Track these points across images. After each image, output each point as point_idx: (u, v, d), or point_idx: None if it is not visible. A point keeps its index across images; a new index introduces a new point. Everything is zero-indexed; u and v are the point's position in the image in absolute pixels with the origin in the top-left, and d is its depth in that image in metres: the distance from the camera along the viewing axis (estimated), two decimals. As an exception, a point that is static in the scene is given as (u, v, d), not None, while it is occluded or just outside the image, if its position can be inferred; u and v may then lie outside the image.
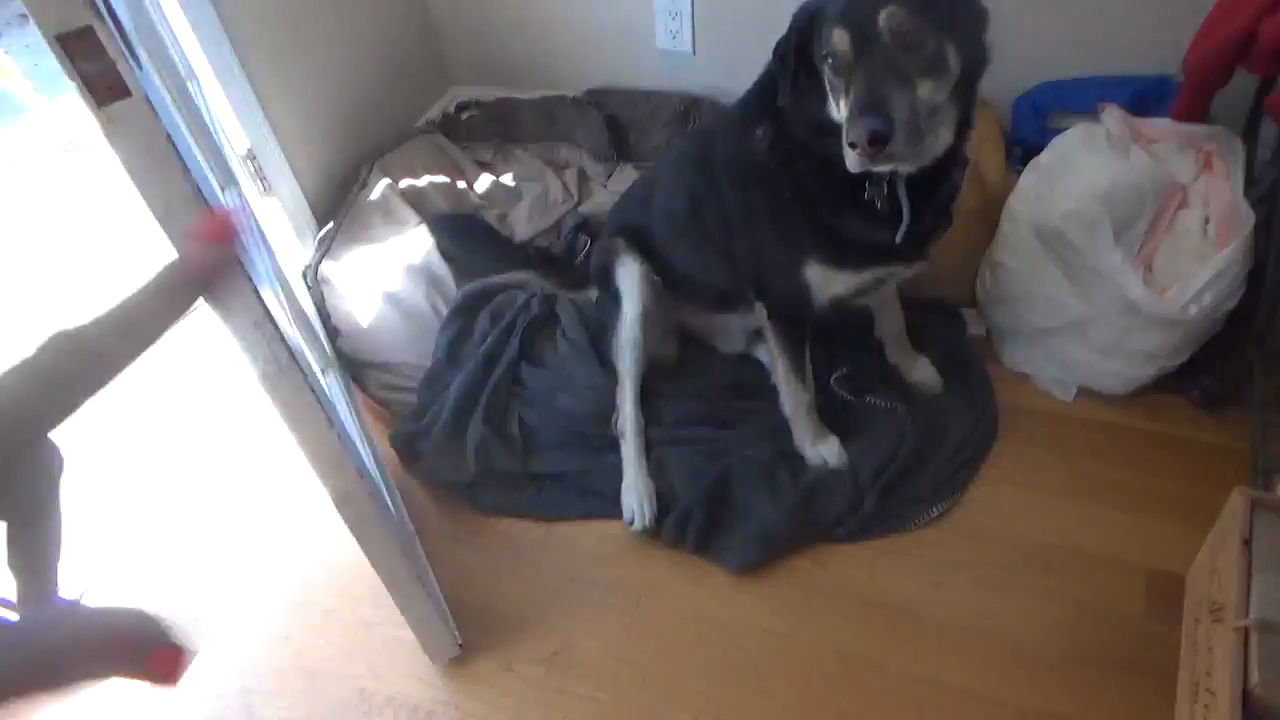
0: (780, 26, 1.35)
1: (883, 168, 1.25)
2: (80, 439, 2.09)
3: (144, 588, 1.78)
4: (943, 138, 1.31)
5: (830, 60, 1.24)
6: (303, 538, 1.83)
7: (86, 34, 0.79)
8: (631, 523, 1.67)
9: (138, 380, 2.13)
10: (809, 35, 1.28)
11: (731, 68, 2.23)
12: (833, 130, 1.28)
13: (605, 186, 2.31)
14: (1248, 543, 1.23)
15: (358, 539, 1.33)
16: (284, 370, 1.09)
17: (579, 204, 2.31)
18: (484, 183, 2.35)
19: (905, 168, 1.30)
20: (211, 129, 1.63)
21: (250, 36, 1.99)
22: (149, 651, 0.96)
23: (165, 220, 0.92)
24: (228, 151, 1.84)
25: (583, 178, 2.37)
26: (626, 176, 2.30)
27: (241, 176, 1.97)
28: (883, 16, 1.17)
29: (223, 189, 1.39)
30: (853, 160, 1.21)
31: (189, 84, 1.65)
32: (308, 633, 1.67)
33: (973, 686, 1.45)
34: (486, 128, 2.47)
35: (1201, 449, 1.72)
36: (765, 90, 1.44)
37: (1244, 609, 1.16)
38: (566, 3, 2.43)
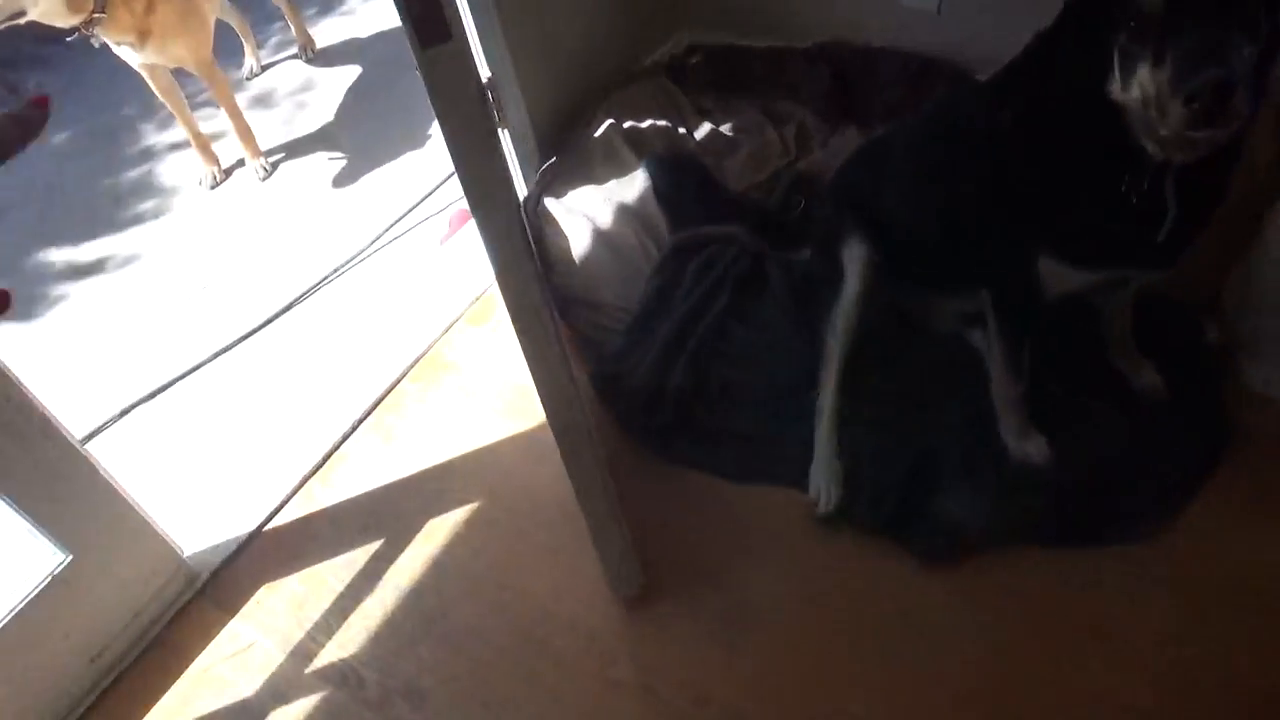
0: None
1: (1209, 134, 1.12)
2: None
3: (354, 486, 1.96)
4: (1241, 112, 1.12)
5: (1133, 24, 1.12)
6: (501, 459, 1.95)
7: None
8: (817, 502, 1.68)
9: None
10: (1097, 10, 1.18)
11: (978, 30, 2.12)
12: (1109, 116, 1.20)
13: (825, 146, 2.26)
14: None
15: (569, 467, 1.41)
16: (530, 295, 1.15)
17: (796, 161, 2.28)
18: (703, 130, 2.35)
19: (1186, 156, 1.20)
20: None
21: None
22: None
23: (461, 163, 0.99)
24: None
25: (803, 134, 2.33)
26: (849, 137, 2.25)
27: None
28: None
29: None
30: (1178, 119, 1.09)
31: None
32: (501, 550, 1.79)
33: (1145, 715, 1.38)
34: (711, 74, 2.46)
35: None
36: (1023, 67, 1.36)
37: None
38: (808, -52, 2.37)
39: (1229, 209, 1.66)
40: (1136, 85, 1.15)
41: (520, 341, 1.23)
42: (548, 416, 1.34)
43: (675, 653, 1.57)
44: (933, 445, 1.68)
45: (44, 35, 2.79)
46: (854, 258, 1.70)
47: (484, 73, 2.11)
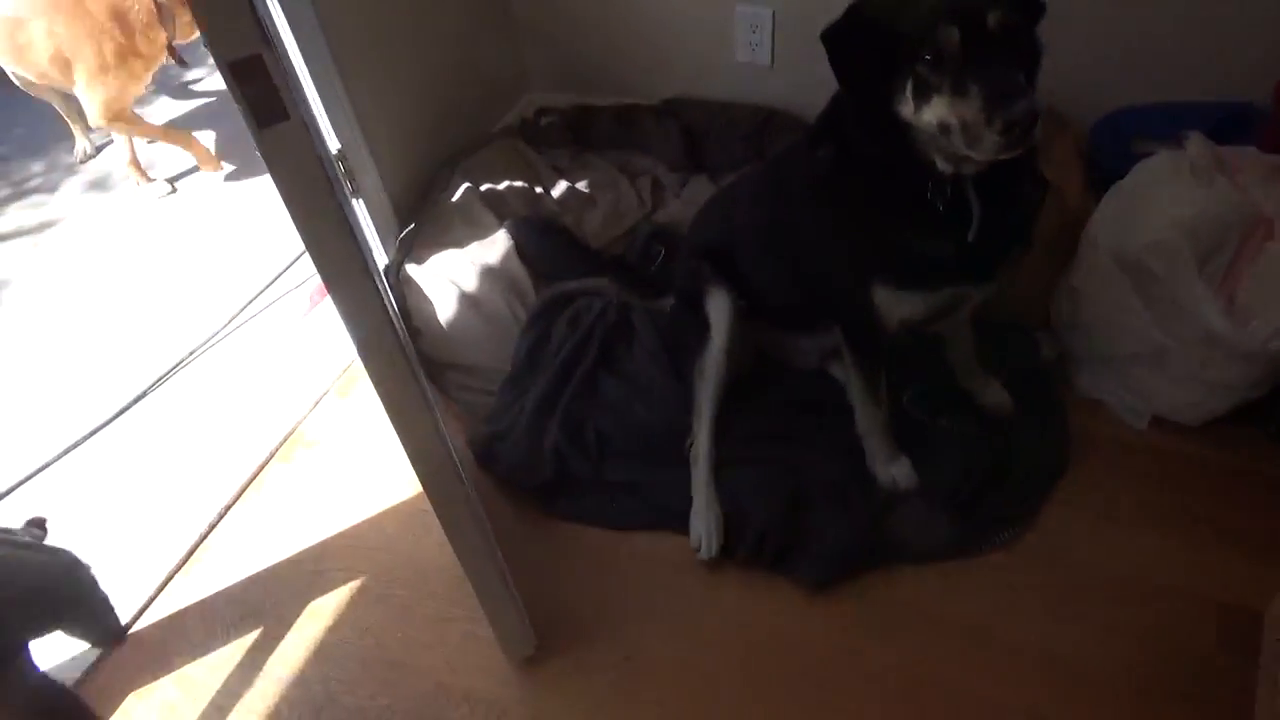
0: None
1: (1009, 155, 1.24)
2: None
3: (224, 577, 1.87)
4: None
5: (929, 57, 1.24)
6: (381, 533, 1.90)
7: (255, 61, 0.85)
8: (698, 549, 1.71)
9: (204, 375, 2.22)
10: (883, 40, 1.28)
11: (809, 82, 2.22)
12: (899, 135, 1.32)
13: (679, 197, 2.34)
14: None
15: (451, 537, 1.39)
16: (396, 366, 1.14)
17: (653, 212, 2.35)
18: (560, 188, 2.40)
19: (974, 166, 1.32)
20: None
21: (344, 39, 2.05)
22: None
23: (311, 241, 0.98)
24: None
25: (657, 187, 2.41)
26: (701, 187, 2.34)
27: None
28: (992, 15, 1.20)
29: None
30: (993, 145, 1.21)
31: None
32: (388, 626, 1.74)
33: (1040, 712, 1.46)
34: (563, 134, 2.52)
35: (1275, 483, 1.71)
36: (831, 113, 1.48)
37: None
38: (646, 12, 2.47)
39: (1051, 240, 1.83)
40: (932, 111, 1.26)
41: (389, 415, 1.21)
42: (425, 488, 1.31)
43: (573, 711, 1.56)
44: (807, 479, 1.75)
45: None
46: (718, 308, 1.77)
47: (333, 144, 2.09)
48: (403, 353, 1.15)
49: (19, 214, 3.13)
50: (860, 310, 1.55)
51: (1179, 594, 1.58)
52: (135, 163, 3.21)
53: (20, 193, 2.98)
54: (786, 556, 1.66)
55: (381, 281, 1.30)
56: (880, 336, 1.59)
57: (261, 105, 0.87)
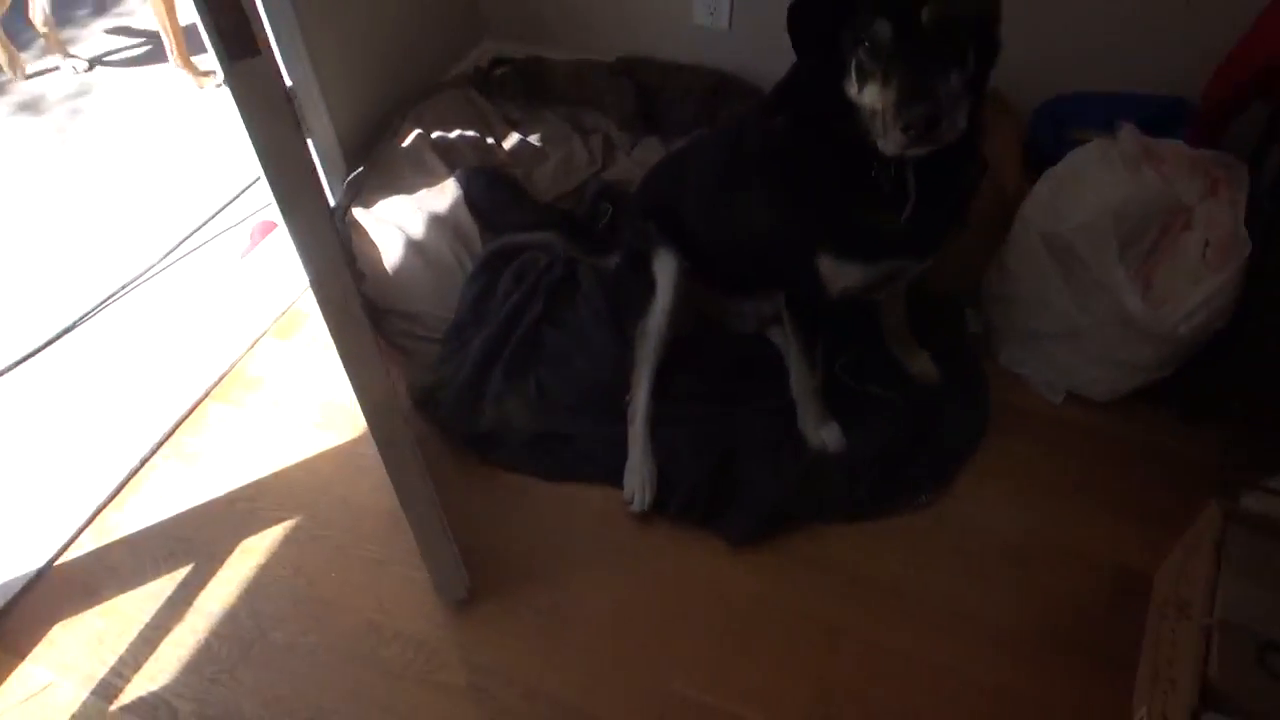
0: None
1: (921, 150, 1.31)
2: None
3: (156, 512, 1.86)
4: (958, 124, 1.35)
5: (866, 44, 1.29)
6: (316, 475, 1.91)
7: (231, -3, 0.86)
8: (631, 502, 1.75)
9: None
10: (837, 18, 1.33)
11: (765, 48, 2.27)
12: (847, 111, 1.36)
13: (630, 155, 2.36)
14: (1218, 550, 1.34)
15: (394, 478, 1.42)
16: (347, 300, 1.16)
17: (602, 170, 2.36)
18: (511, 140, 2.40)
19: (919, 150, 1.36)
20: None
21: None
22: None
23: (273, 174, 0.98)
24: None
25: (608, 144, 2.42)
26: (652, 147, 2.36)
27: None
28: (926, 10, 1.24)
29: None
30: (896, 141, 1.28)
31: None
32: (321, 566, 1.75)
33: (946, 663, 1.55)
34: (517, 85, 2.51)
35: (1175, 458, 1.81)
36: (788, 83, 1.52)
37: (1209, 609, 1.27)
38: (607, -32, 2.47)
39: (986, 219, 1.90)
40: (867, 96, 1.32)
41: (340, 353, 1.22)
42: (371, 429, 1.33)
43: (503, 652, 1.61)
44: (740, 438, 1.80)
45: None
46: (665, 269, 1.81)
47: (285, 82, 2.06)
48: (355, 291, 1.17)
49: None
50: (804, 277, 1.60)
51: (1080, 557, 1.68)
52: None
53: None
54: (716, 511, 1.72)
55: (333, 220, 1.30)
56: (821, 303, 1.64)
57: (233, 39, 0.87)
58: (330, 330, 1.19)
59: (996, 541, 1.71)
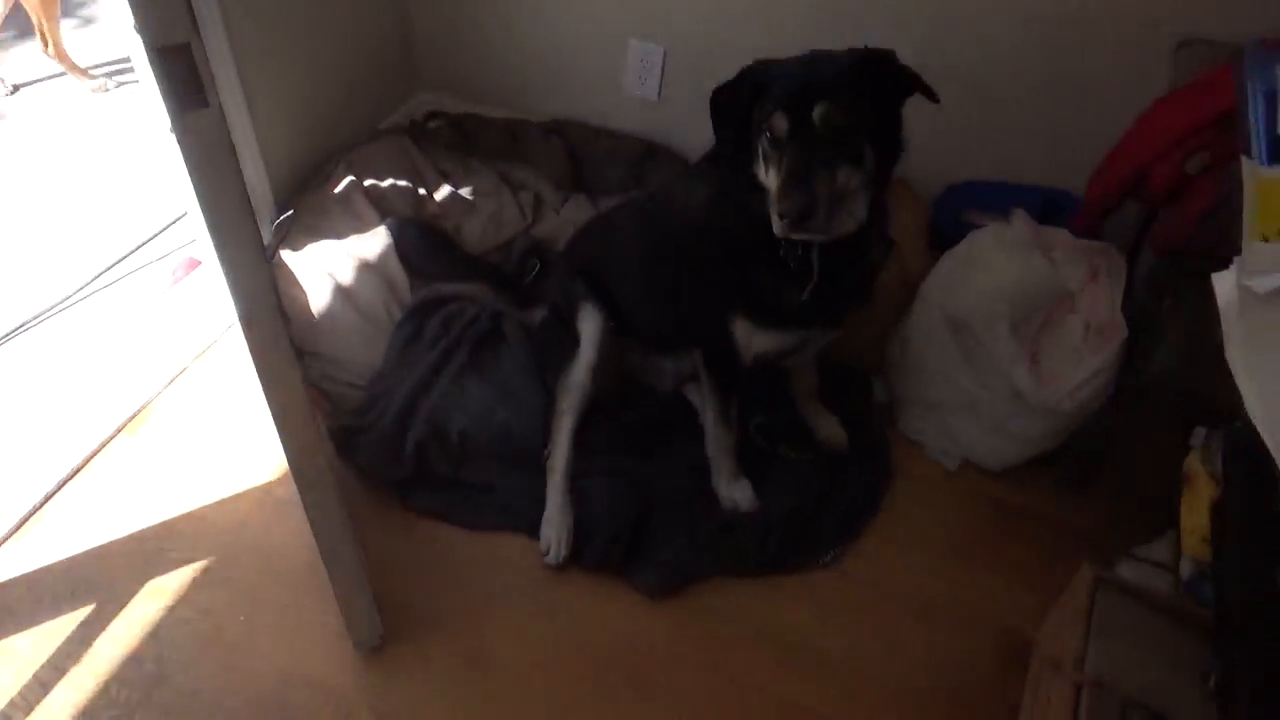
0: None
1: (801, 237, 1.44)
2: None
3: (58, 549, 1.82)
4: (855, 215, 1.49)
5: (768, 134, 1.41)
6: (229, 517, 1.89)
7: (183, 50, 0.89)
8: (547, 553, 1.79)
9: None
10: (751, 101, 1.45)
11: (692, 120, 2.40)
12: (759, 188, 1.46)
13: (559, 213, 2.43)
14: (1089, 612, 1.44)
15: (314, 522, 1.42)
16: (277, 343, 1.18)
17: (532, 226, 2.42)
18: (443, 192, 2.44)
19: (818, 238, 1.48)
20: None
21: (241, 19, 2.05)
22: None
23: (213, 223, 1.02)
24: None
25: (538, 202, 2.48)
26: (581, 207, 2.44)
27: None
28: (818, 109, 1.36)
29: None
30: (778, 226, 1.40)
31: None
32: (230, 609, 1.74)
33: (841, 716, 1.62)
34: (451, 138, 2.56)
35: (1060, 525, 1.93)
36: (711, 156, 1.63)
37: (1080, 666, 1.37)
38: (543, 33, 2.55)
39: (891, 294, 2.03)
40: (768, 180, 1.44)
41: (266, 394, 1.24)
42: (292, 470, 1.35)
43: (414, 700, 1.61)
44: (656, 493, 1.87)
45: None
46: (589, 325, 1.88)
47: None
48: (285, 334, 1.19)
49: None
50: (720, 339, 1.69)
51: (968, 618, 1.78)
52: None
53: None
54: (630, 564, 1.77)
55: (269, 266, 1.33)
56: (736, 365, 1.73)
57: (184, 91, 0.91)
58: (258, 371, 1.21)
59: (894, 600, 1.80)
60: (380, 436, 1.89)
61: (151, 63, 0.89)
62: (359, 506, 1.87)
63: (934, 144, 2.20)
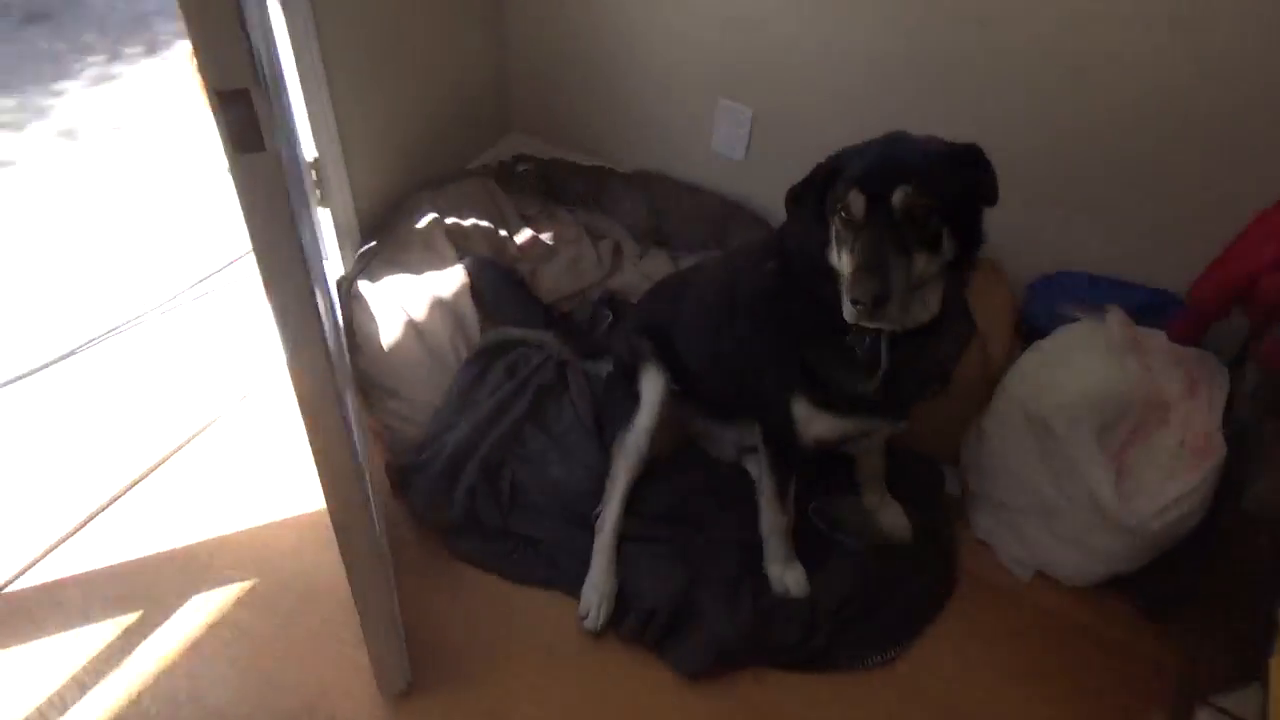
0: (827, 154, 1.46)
1: (873, 325, 1.36)
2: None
3: (112, 553, 1.85)
4: (930, 306, 1.42)
5: (843, 215, 1.35)
6: (283, 540, 1.90)
7: (242, 95, 0.90)
8: (585, 617, 1.75)
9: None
10: (827, 184, 1.39)
11: (776, 183, 2.34)
12: (829, 274, 1.40)
13: (637, 266, 2.41)
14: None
15: (346, 562, 1.40)
16: (322, 384, 1.17)
17: (609, 276, 2.41)
18: (523, 235, 2.45)
19: (889, 326, 1.41)
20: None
21: (339, 52, 2.09)
22: None
23: (265, 264, 1.02)
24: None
25: (617, 252, 2.47)
26: (660, 261, 2.41)
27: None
28: (898, 193, 1.30)
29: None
30: (850, 312, 1.33)
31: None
32: (267, 632, 1.75)
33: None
34: (536, 184, 2.58)
35: (1137, 657, 1.79)
36: (783, 229, 1.60)
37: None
38: (636, 86, 2.56)
39: (972, 382, 1.94)
40: (841, 263, 1.37)
41: (309, 435, 1.23)
42: (329, 507, 1.34)
43: (436, 755, 1.58)
44: (704, 567, 1.80)
45: None
46: (651, 386, 1.84)
47: (310, 151, 2.12)
48: (330, 369, 1.18)
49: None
50: (780, 417, 1.63)
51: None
52: None
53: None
54: (669, 640, 1.71)
55: (328, 296, 1.32)
56: (794, 442, 1.66)
57: (240, 134, 0.91)
58: (301, 412, 1.20)
59: (942, 707, 1.69)
60: (433, 477, 1.88)
61: (210, 103, 0.90)
62: (406, 545, 1.88)
63: (1031, 228, 2.13)
